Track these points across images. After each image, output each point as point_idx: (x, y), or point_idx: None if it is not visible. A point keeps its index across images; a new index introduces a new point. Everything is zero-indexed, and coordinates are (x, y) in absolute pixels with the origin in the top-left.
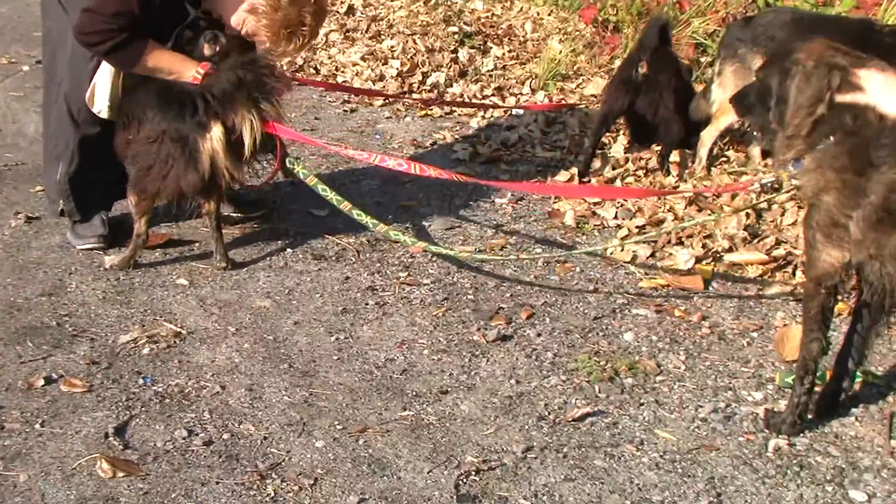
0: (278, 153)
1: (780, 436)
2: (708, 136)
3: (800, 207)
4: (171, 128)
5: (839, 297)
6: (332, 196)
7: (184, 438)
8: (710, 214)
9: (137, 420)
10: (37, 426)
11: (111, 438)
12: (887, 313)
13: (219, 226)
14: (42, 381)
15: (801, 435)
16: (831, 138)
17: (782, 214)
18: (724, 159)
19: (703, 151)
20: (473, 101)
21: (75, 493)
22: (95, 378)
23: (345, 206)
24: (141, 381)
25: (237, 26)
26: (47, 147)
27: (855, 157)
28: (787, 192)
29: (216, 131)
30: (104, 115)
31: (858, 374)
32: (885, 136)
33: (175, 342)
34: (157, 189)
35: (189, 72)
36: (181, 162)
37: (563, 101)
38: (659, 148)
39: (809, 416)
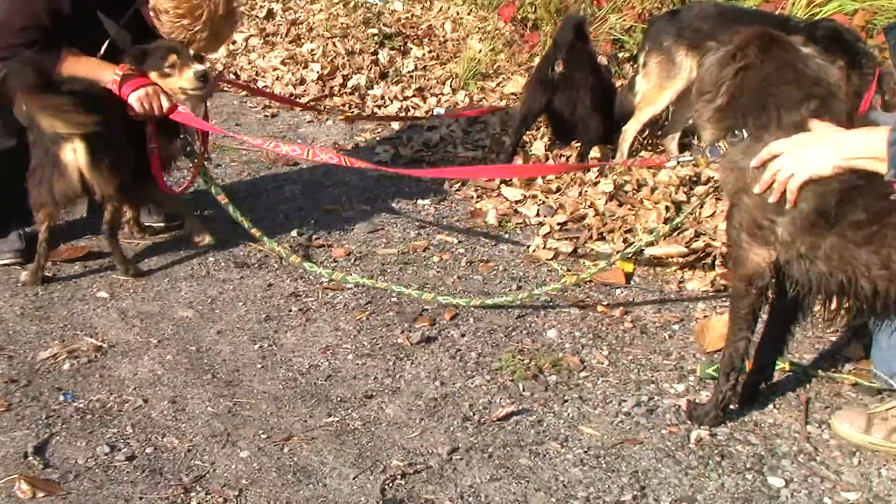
0: (198, 162)
1: (702, 427)
2: (630, 130)
3: (717, 199)
4: (39, 137)
5: (768, 297)
6: (242, 219)
7: (106, 454)
8: (629, 209)
9: (58, 437)
10: None
11: (31, 458)
12: (810, 307)
13: (112, 234)
14: None
15: (723, 425)
16: (744, 132)
17: (701, 207)
18: (641, 157)
19: (624, 146)
20: (394, 105)
21: None
22: (14, 396)
23: (255, 232)
24: (62, 398)
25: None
26: None
27: None
28: (705, 183)
29: (77, 143)
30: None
31: (778, 363)
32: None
33: (96, 356)
34: (39, 196)
35: (108, 75)
36: (49, 171)
37: (489, 105)
38: (578, 145)
39: (731, 407)
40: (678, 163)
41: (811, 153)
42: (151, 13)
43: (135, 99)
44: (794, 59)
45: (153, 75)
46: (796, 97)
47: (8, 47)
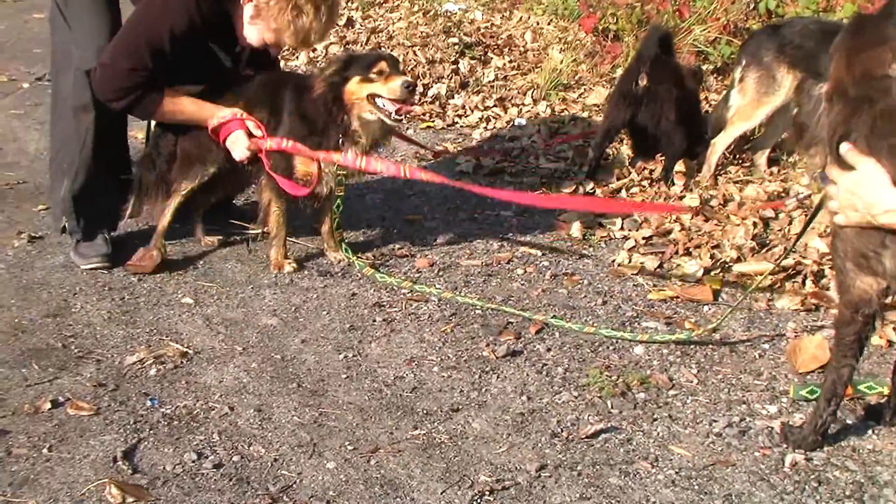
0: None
1: (797, 451)
2: (720, 143)
3: (805, 215)
4: None
5: (875, 325)
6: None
7: (193, 461)
8: (716, 224)
9: (146, 443)
10: (44, 451)
11: (120, 462)
12: None
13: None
14: (48, 405)
15: (819, 449)
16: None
17: (790, 223)
18: (727, 172)
19: (713, 159)
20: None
21: None
22: (102, 400)
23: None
24: (148, 403)
25: (256, 43)
26: (52, 164)
27: None
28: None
29: None
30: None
31: (876, 387)
32: None
33: (182, 362)
34: None
35: (213, 117)
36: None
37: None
38: (663, 159)
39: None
40: (798, 201)
41: (847, 201)
42: (253, 10)
43: (230, 145)
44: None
45: (355, 80)
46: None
47: (114, 90)
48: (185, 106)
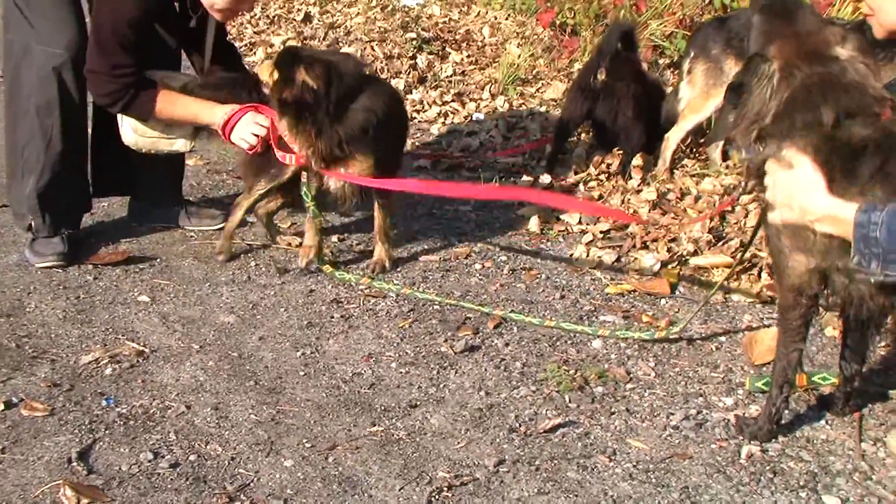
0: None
1: (753, 442)
2: (673, 138)
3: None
4: None
5: (819, 306)
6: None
7: (149, 461)
8: (674, 218)
9: (101, 443)
10: None
11: (75, 463)
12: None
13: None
14: (2, 406)
15: (774, 440)
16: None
17: (746, 216)
18: (684, 165)
19: (667, 153)
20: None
21: None
22: (57, 401)
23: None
24: (104, 403)
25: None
26: (13, 162)
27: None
28: (750, 192)
29: None
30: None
31: (829, 377)
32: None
33: (138, 361)
34: None
35: (216, 115)
36: None
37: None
38: (621, 153)
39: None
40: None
41: (782, 200)
42: None
43: (236, 139)
44: (833, 72)
45: None
46: (824, 116)
47: (108, 94)
48: (184, 103)
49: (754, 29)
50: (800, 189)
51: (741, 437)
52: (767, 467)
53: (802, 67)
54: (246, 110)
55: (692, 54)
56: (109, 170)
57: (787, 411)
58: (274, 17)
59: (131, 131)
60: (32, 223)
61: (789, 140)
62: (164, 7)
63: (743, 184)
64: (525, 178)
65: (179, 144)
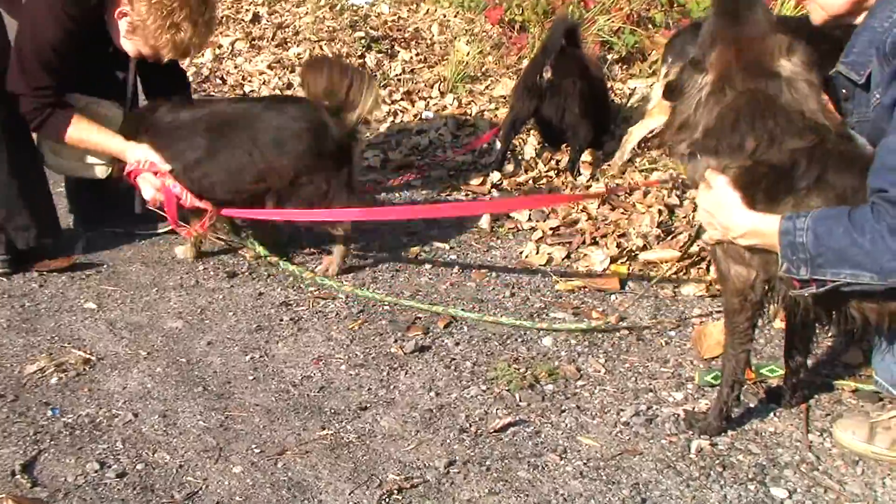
0: None
1: (702, 437)
2: (637, 132)
3: None
4: None
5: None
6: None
7: (96, 471)
8: (622, 213)
9: (46, 454)
10: None
11: (18, 476)
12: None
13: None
14: None
15: (723, 434)
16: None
17: (694, 210)
18: (633, 161)
19: (628, 146)
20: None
21: None
22: (0, 412)
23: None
24: (49, 413)
25: (133, 55)
26: None
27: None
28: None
29: None
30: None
31: (776, 369)
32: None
33: (85, 370)
34: None
35: (126, 155)
36: None
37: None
38: (569, 149)
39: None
40: (672, 178)
41: (706, 220)
42: (129, 25)
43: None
44: (769, 92)
45: None
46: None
47: (29, 113)
48: (93, 135)
49: (705, 24)
50: (719, 208)
51: (691, 432)
52: (717, 461)
53: (736, 83)
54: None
55: (669, 60)
56: None
57: (736, 405)
58: (222, 17)
59: (51, 154)
60: None
61: (714, 159)
62: (90, 31)
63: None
64: (475, 175)
65: (98, 171)
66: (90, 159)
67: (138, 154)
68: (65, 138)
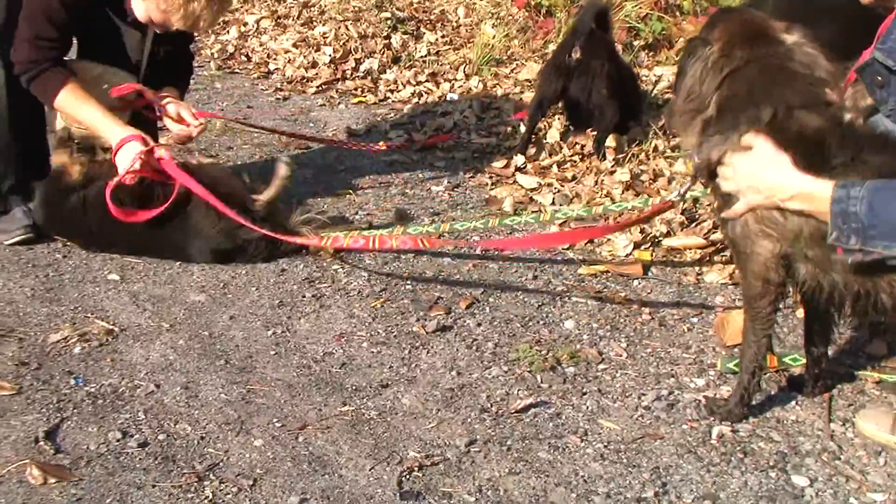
0: None
1: (724, 423)
2: None
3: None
4: None
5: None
6: None
7: (118, 440)
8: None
9: (69, 422)
10: None
11: (42, 443)
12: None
13: None
14: None
15: (744, 421)
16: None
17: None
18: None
19: None
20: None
21: (4, 502)
22: (25, 379)
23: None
24: (72, 382)
25: (142, 19)
26: None
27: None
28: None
29: None
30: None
31: (799, 358)
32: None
33: (107, 340)
34: None
35: (111, 135)
36: None
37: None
38: (594, 133)
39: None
40: (680, 195)
41: (747, 184)
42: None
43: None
44: (779, 57)
45: None
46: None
47: (25, 62)
48: (83, 106)
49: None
50: (766, 168)
51: (712, 418)
52: (738, 448)
53: (744, 48)
54: (133, 139)
55: None
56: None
57: (757, 392)
58: None
59: (60, 118)
60: None
61: (737, 131)
62: None
63: (688, 185)
64: (499, 158)
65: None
66: None
67: (123, 135)
68: (54, 102)
